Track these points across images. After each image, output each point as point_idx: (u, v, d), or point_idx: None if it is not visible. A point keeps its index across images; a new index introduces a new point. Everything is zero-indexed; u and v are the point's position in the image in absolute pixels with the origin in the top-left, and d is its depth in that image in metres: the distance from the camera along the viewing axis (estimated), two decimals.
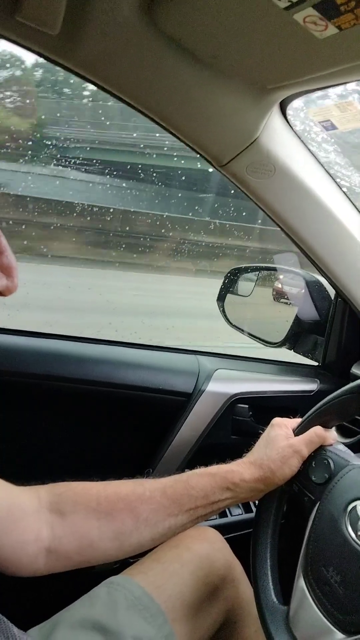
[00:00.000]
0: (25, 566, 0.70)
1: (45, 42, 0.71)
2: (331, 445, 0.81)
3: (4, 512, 0.68)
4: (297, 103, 0.83)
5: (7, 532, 0.68)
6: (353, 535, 0.69)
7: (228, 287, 1.44)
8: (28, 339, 1.10)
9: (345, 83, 0.70)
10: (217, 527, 0.97)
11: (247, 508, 1.20)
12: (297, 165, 0.90)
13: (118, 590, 0.80)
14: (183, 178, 8.58)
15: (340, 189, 0.98)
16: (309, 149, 0.91)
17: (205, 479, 0.77)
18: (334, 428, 0.85)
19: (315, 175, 0.93)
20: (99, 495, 0.75)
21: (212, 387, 1.12)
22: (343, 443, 0.84)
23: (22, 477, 0.74)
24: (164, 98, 0.78)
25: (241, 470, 0.79)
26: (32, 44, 0.71)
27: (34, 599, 0.95)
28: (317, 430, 0.81)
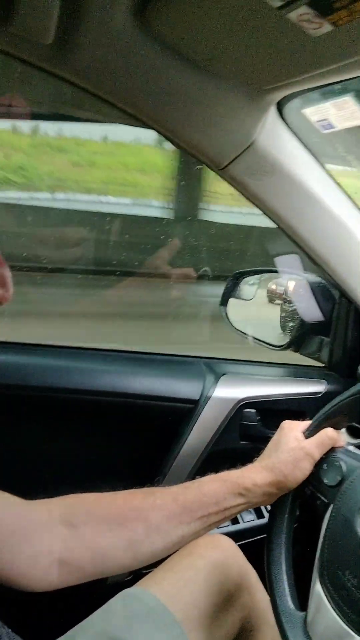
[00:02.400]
0: (39, 580, 0.69)
1: (38, 52, 0.71)
2: (342, 446, 0.81)
3: (15, 526, 0.68)
4: (294, 103, 0.83)
5: (19, 546, 0.68)
6: None
7: (231, 291, 1.43)
8: (30, 351, 1.10)
9: (342, 81, 0.69)
10: (230, 534, 0.96)
11: (259, 514, 1.18)
12: (297, 166, 0.90)
13: (133, 602, 0.79)
14: None
15: (341, 187, 0.97)
16: (307, 149, 0.90)
17: (217, 485, 0.77)
18: (344, 429, 0.84)
19: (315, 175, 0.92)
20: (109, 506, 0.74)
21: (219, 392, 1.11)
22: (354, 444, 0.83)
23: (30, 490, 0.73)
24: (159, 103, 0.78)
25: (253, 474, 0.78)
26: (25, 55, 0.71)
27: (47, 615, 0.94)
28: (327, 432, 0.80)
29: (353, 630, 0.66)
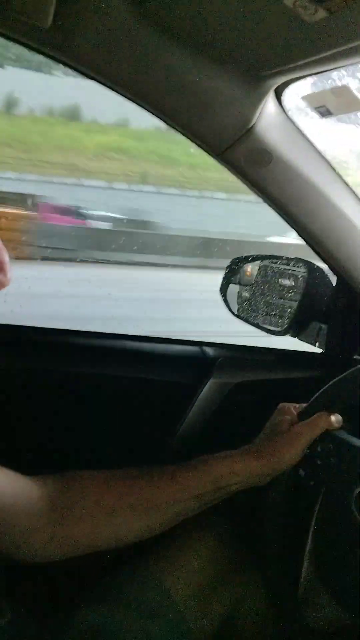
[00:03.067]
0: (38, 553, 0.71)
1: (37, 35, 0.71)
2: (336, 429, 0.82)
3: (11, 499, 0.70)
4: (292, 89, 0.83)
5: (16, 520, 0.69)
6: None
7: (230, 277, 1.44)
8: (30, 334, 1.11)
9: (338, 67, 0.70)
10: (225, 513, 0.97)
11: (254, 494, 1.20)
12: (295, 152, 0.90)
13: (129, 576, 0.81)
14: None
15: (338, 175, 0.97)
16: (305, 136, 0.91)
17: (213, 464, 0.78)
18: (338, 413, 0.85)
19: (313, 161, 0.93)
20: (106, 482, 0.76)
21: (216, 376, 1.12)
22: (347, 427, 0.84)
23: (29, 466, 0.75)
24: (158, 88, 0.78)
25: (248, 455, 0.79)
26: (24, 38, 0.72)
27: (47, 588, 0.96)
28: (322, 415, 0.81)
29: (344, 609, 0.68)
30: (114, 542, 0.75)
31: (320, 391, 0.84)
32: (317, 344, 1.29)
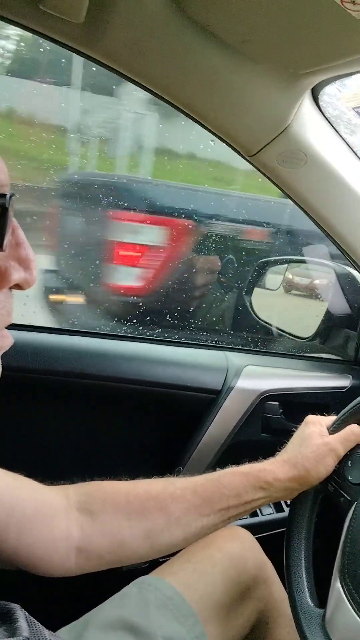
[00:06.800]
0: (57, 565, 0.69)
1: (70, 31, 0.70)
2: None
3: (33, 510, 0.68)
4: (329, 89, 0.80)
5: (37, 531, 0.68)
6: None
7: (256, 280, 1.42)
8: (55, 336, 1.10)
9: None
10: (248, 527, 0.95)
11: (278, 507, 1.18)
12: (330, 154, 0.87)
13: (149, 590, 0.79)
14: None
15: None
16: (342, 137, 0.88)
17: (238, 478, 0.76)
18: None
19: (349, 164, 0.90)
20: (128, 494, 0.74)
21: (242, 383, 1.10)
22: None
23: (50, 476, 0.73)
24: (191, 87, 0.76)
25: (275, 469, 0.77)
26: (57, 34, 0.70)
27: (63, 600, 0.95)
28: (353, 428, 0.78)
29: None
30: (136, 557, 0.73)
31: (352, 403, 0.81)
32: (345, 352, 1.26)
